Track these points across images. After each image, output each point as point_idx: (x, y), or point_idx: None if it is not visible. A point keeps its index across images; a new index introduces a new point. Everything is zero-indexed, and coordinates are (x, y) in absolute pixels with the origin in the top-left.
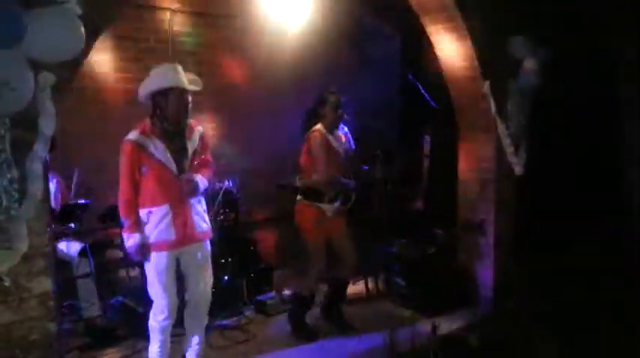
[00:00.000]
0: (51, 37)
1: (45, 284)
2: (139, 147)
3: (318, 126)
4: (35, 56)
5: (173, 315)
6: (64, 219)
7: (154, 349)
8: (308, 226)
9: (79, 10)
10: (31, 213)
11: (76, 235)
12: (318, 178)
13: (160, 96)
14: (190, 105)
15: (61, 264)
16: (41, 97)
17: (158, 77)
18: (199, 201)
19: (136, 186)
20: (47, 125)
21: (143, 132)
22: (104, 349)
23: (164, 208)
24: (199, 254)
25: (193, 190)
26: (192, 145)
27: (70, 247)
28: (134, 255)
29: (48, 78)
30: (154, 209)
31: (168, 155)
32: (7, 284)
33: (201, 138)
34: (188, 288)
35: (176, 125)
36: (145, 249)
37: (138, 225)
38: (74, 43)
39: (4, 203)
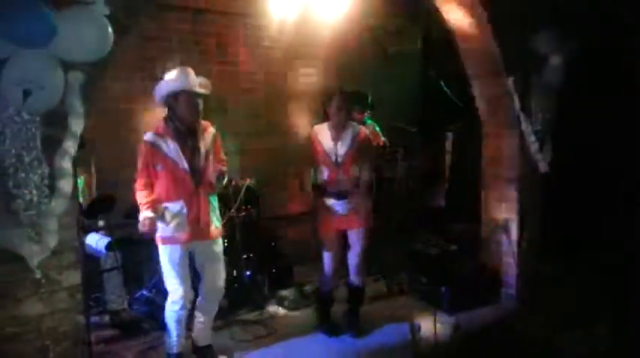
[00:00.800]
0: (80, 37)
1: (74, 277)
2: (153, 146)
3: (321, 124)
4: (64, 56)
5: (187, 306)
6: (91, 214)
7: (170, 338)
8: (318, 220)
9: (106, 11)
10: (60, 209)
11: (103, 230)
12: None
13: (172, 98)
14: (201, 106)
15: (89, 258)
16: (70, 96)
17: (169, 81)
18: (214, 199)
19: (149, 183)
20: (76, 123)
21: (157, 133)
22: (129, 341)
23: (178, 204)
24: (212, 249)
25: (211, 186)
26: (204, 144)
27: (97, 241)
28: (141, 226)
29: (77, 77)
30: (169, 204)
31: (181, 154)
32: (37, 276)
33: (214, 138)
34: (203, 282)
35: (188, 125)
36: (150, 221)
37: (149, 205)
38: (102, 42)
39: (35, 199)
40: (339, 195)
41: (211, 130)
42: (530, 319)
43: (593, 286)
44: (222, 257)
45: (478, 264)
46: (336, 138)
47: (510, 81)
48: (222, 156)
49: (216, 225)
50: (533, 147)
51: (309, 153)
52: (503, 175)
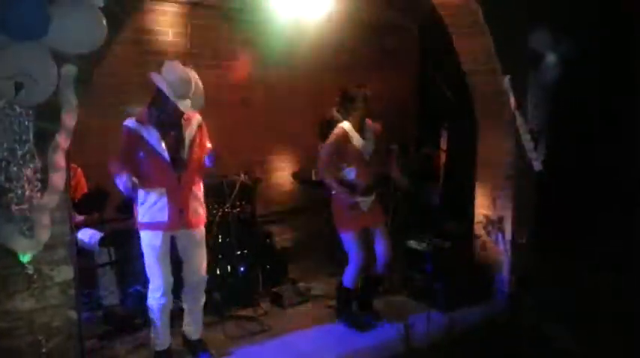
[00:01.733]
0: (74, 29)
1: (66, 272)
2: (134, 134)
3: (344, 123)
4: (58, 48)
5: (169, 293)
6: (83, 208)
7: (156, 329)
8: (341, 217)
9: (100, 3)
10: (53, 203)
11: (95, 225)
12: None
13: (161, 94)
14: (185, 115)
15: (81, 253)
16: (64, 89)
17: (165, 79)
18: (198, 188)
19: (127, 164)
20: (69, 117)
21: (139, 120)
22: (123, 337)
23: (160, 190)
24: (195, 237)
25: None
26: (189, 134)
27: (90, 237)
28: (125, 189)
29: (71, 70)
30: (150, 191)
31: (163, 144)
32: (30, 272)
33: (200, 127)
34: (185, 270)
35: (171, 120)
36: (132, 182)
37: (125, 170)
38: (96, 35)
39: (27, 193)
40: (366, 192)
41: (197, 118)
42: (524, 317)
43: (587, 284)
44: (204, 244)
45: (472, 262)
46: (363, 136)
47: (506, 79)
48: (208, 144)
49: (199, 212)
50: (528, 145)
51: (334, 150)
52: (497, 173)
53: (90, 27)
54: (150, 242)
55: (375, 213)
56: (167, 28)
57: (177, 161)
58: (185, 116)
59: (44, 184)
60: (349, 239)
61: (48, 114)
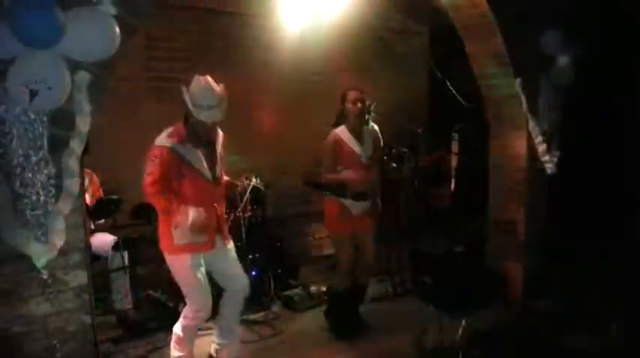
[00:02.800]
0: (87, 37)
1: (81, 277)
2: (176, 154)
3: (339, 127)
4: (72, 56)
5: (209, 312)
6: (97, 214)
7: (186, 348)
8: (331, 220)
9: (113, 11)
10: (67, 209)
11: (109, 230)
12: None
13: (191, 111)
14: (216, 124)
15: (95, 258)
16: (77, 96)
17: (192, 95)
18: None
19: (167, 188)
20: (83, 123)
21: (179, 140)
22: (135, 341)
23: (199, 211)
24: (231, 251)
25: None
26: (219, 150)
27: (103, 242)
28: (196, 222)
29: (84, 77)
30: (190, 211)
31: (205, 164)
32: (44, 276)
33: (223, 141)
34: (228, 282)
35: (207, 135)
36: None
37: (169, 191)
38: (109, 42)
39: (42, 198)
40: (358, 197)
41: (219, 132)
42: (537, 320)
43: (599, 286)
44: (237, 256)
45: (484, 265)
46: (359, 140)
47: (518, 81)
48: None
49: (227, 228)
50: (541, 148)
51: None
52: (509, 176)
53: (103, 35)
54: (188, 262)
55: (365, 220)
56: (179, 34)
57: (216, 179)
58: (218, 133)
59: (58, 190)
60: (334, 242)
61: (62, 121)
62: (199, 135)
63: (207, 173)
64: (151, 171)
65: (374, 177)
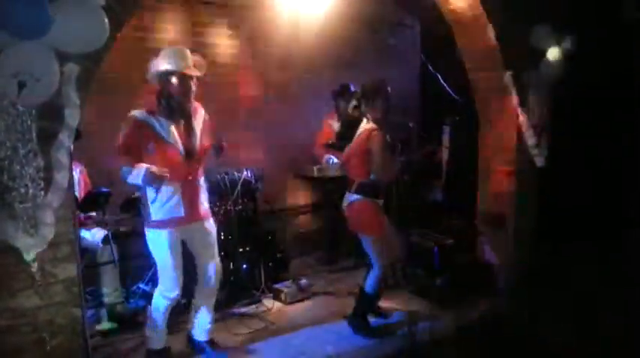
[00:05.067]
0: (75, 28)
1: (70, 270)
2: (146, 125)
3: (372, 124)
4: (60, 47)
5: (180, 293)
6: (87, 207)
7: (157, 328)
8: (374, 222)
9: (102, 2)
10: (57, 202)
11: (99, 223)
12: (380, 177)
13: (164, 77)
14: (194, 88)
15: (85, 251)
16: (66, 88)
17: (163, 59)
18: (204, 181)
19: (130, 157)
20: (72, 115)
21: (150, 111)
22: (125, 334)
23: (173, 186)
24: (207, 229)
25: (222, 150)
26: (198, 125)
27: (93, 235)
28: (149, 181)
29: (73, 69)
30: (162, 187)
31: (177, 136)
32: (33, 269)
33: (204, 121)
34: (200, 266)
35: (181, 105)
36: (153, 174)
37: (139, 161)
38: (98, 34)
39: (31, 191)
40: (382, 194)
41: (201, 111)
42: (526, 312)
43: (589, 279)
44: (215, 236)
45: (474, 258)
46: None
47: (508, 75)
48: (210, 140)
49: (205, 204)
50: (531, 141)
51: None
52: (499, 169)
53: (92, 26)
54: (165, 240)
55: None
56: (168, 25)
57: (190, 151)
58: (192, 106)
59: (48, 183)
60: (377, 243)
61: (50, 113)
62: (172, 106)
63: (179, 146)
64: (118, 139)
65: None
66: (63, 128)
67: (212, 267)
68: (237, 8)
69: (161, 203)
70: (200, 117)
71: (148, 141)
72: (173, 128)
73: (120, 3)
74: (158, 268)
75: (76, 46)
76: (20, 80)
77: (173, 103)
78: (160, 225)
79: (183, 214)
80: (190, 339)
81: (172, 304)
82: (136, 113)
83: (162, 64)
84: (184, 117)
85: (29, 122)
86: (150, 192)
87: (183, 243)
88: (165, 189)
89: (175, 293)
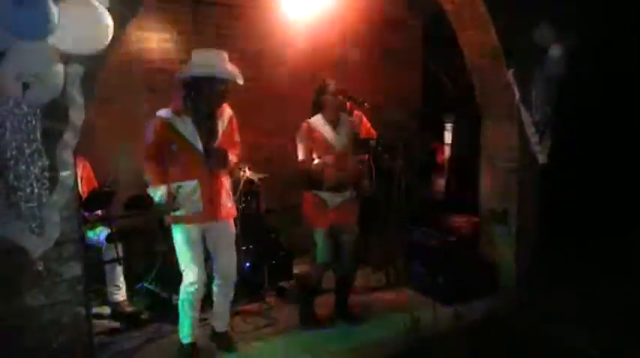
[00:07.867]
0: (80, 29)
1: (75, 269)
2: (169, 125)
3: (315, 117)
4: (64, 48)
5: (202, 287)
6: (90, 205)
7: (184, 326)
8: (308, 214)
9: (106, 3)
10: (61, 201)
11: (103, 221)
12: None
13: (198, 81)
14: (224, 92)
15: (89, 250)
16: (70, 89)
17: (200, 63)
18: (226, 180)
19: (159, 157)
20: (76, 115)
21: (175, 111)
22: (129, 333)
23: (193, 183)
24: (226, 231)
25: (222, 160)
26: (222, 125)
27: (97, 233)
28: (164, 205)
29: (77, 69)
30: (183, 183)
31: (197, 136)
32: (39, 268)
33: (231, 120)
34: (217, 264)
35: (209, 108)
36: (171, 198)
37: (162, 177)
38: (102, 34)
39: (36, 191)
40: (335, 188)
41: (228, 111)
42: (529, 310)
43: (592, 277)
44: (234, 238)
45: (477, 255)
46: (337, 130)
47: (511, 72)
48: (237, 138)
49: (228, 206)
50: (533, 138)
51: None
52: (502, 166)
53: (96, 26)
54: (185, 236)
55: (345, 211)
56: (170, 25)
57: (209, 152)
58: (220, 108)
59: (53, 182)
60: (315, 236)
61: (55, 113)
62: (198, 108)
63: (199, 146)
64: (148, 144)
65: (353, 167)
66: (67, 128)
67: (225, 270)
68: (237, 8)
69: (182, 198)
70: (227, 117)
71: (172, 140)
72: (195, 128)
73: (124, 3)
74: (180, 263)
75: (80, 47)
76: (25, 80)
77: (201, 106)
78: (180, 220)
79: (201, 212)
80: (212, 331)
81: (197, 299)
82: (161, 113)
83: (197, 68)
84: (209, 118)
85: (34, 122)
86: (173, 187)
87: (204, 241)
88: (185, 186)
89: (195, 287)
